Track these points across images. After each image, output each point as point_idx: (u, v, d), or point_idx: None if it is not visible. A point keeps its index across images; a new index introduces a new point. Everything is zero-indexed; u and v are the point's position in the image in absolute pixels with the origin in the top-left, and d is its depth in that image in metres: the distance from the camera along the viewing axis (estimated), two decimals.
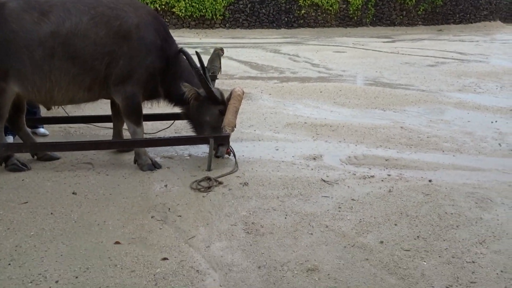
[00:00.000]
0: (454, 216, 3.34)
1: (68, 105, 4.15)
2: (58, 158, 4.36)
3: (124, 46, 3.80)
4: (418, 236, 3.06)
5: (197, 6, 20.08)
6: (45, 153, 4.32)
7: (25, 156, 4.30)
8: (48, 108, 4.17)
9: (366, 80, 8.94)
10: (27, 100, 4.11)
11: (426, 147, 4.94)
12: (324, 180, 3.96)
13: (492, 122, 5.93)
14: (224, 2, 20.43)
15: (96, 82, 3.86)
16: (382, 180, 3.99)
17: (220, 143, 4.30)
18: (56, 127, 5.39)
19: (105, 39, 3.74)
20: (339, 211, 3.42)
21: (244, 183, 3.88)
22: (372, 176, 4.08)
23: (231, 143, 4.43)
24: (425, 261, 2.78)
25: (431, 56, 12.28)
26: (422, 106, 6.76)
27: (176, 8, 19.85)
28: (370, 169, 4.28)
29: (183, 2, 19.80)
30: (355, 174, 4.12)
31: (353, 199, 3.60)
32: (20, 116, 4.21)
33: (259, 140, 5.08)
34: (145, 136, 4.41)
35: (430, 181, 3.97)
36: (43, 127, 5.20)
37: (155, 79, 4.06)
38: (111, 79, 3.86)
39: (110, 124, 4.74)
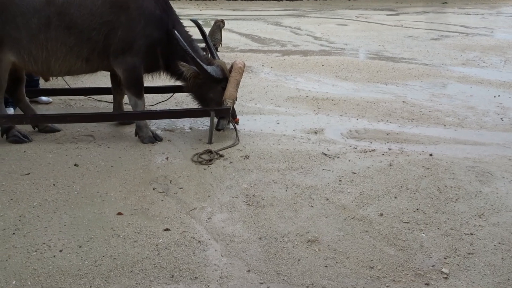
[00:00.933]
0: (454, 189, 3.36)
1: (67, 76, 4.10)
2: (59, 130, 4.35)
3: (122, 16, 3.72)
4: (417, 209, 3.09)
5: None
6: (46, 125, 4.30)
7: (26, 128, 4.29)
8: (46, 79, 4.13)
9: (369, 54, 8.81)
10: (26, 71, 4.06)
11: (427, 122, 4.92)
12: (325, 154, 3.96)
13: (495, 97, 5.88)
14: None
15: (94, 53, 3.79)
16: (383, 154, 3.99)
17: (221, 116, 4.28)
18: (56, 99, 5.36)
19: (101, 8, 3.65)
20: (340, 184, 3.43)
21: (245, 156, 3.88)
22: (373, 150, 4.07)
23: (238, 115, 4.42)
24: (424, 233, 2.81)
25: (435, 30, 12.07)
26: (425, 80, 6.69)
27: None
28: (371, 143, 4.27)
29: None
30: (356, 148, 4.12)
31: (353, 173, 3.61)
32: (20, 87, 4.18)
33: (260, 114, 5.05)
34: (146, 108, 4.38)
35: (430, 155, 3.97)
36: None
37: (155, 50, 3.98)
38: (110, 50, 3.80)
39: (110, 97, 4.70)
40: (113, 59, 3.84)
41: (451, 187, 3.40)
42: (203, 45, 4.78)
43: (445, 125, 4.82)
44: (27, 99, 4.32)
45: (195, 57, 3.92)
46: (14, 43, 3.62)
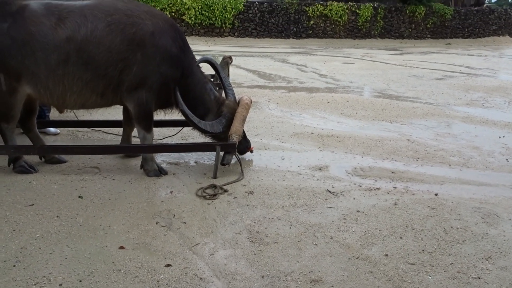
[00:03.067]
0: (460, 230, 3.32)
1: (81, 109, 4.17)
2: (65, 162, 4.39)
3: (138, 53, 3.81)
4: (423, 250, 3.04)
5: (206, 14, 20.31)
6: (53, 156, 4.35)
7: (33, 158, 4.34)
8: (61, 112, 4.21)
9: (374, 92, 8.95)
10: (40, 102, 4.15)
11: (432, 161, 4.92)
12: (329, 191, 3.96)
13: (499, 137, 5.90)
14: (233, 11, 20.65)
15: (109, 88, 3.87)
16: (388, 193, 3.98)
17: (226, 151, 4.31)
18: (64, 130, 5.45)
19: (119, 46, 3.75)
20: (344, 222, 3.40)
21: (250, 191, 3.88)
22: (378, 188, 4.06)
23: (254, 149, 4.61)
24: (430, 276, 2.76)
25: (439, 70, 12.28)
26: (430, 119, 6.75)
27: (186, 15, 20.08)
28: (376, 181, 4.27)
29: (193, 10, 20.03)
30: (360, 186, 4.11)
31: (358, 211, 3.59)
32: (31, 118, 4.26)
33: (266, 149, 5.09)
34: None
35: (436, 194, 3.95)
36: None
37: (169, 87, 4.05)
38: (124, 85, 3.88)
39: (117, 129, 4.77)
40: (126, 94, 3.92)
41: (457, 228, 3.35)
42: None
43: (450, 165, 4.81)
44: (37, 129, 4.39)
45: (191, 118, 4.01)
46: (32, 76, 3.72)
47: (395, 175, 4.42)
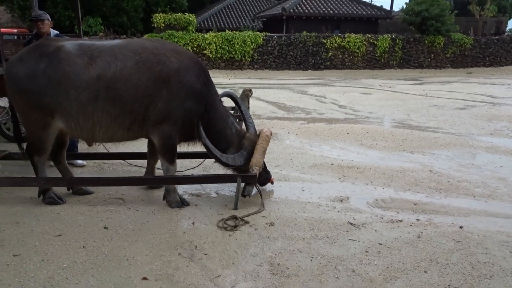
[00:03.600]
0: (488, 265, 3.23)
1: (108, 142, 4.33)
2: (91, 193, 4.53)
3: (164, 89, 3.98)
4: (449, 285, 2.97)
5: (227, 48, 20.90)
6: (80, 187, 4.50)
7: (61, 190, 4.50)
8: (89, 145, 4.39)
9: (394, 122, 8.93)
10: (71, 136, 4.35)
11: (456, 192, 4.84)
12: (350, 223, 3.93)
13: None
14: (253, 44, 21.18)
15: (136, 122, 4.04)
16: (411, 225, 3.92)
17: (247, 182, 4.37)
18: (91, 162, 5.63)
19: (146, 82, 3.93)
20: (366, 255, 3.37)
21: (270, 223, 3.90)
22: (400, 221, 4.02)
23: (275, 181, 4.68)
24: None
25: (460, 99, 12.18)
26: (452, 150, 6.67)
27: (207, 50, 20.72)
28: (398, 213, 4.22)
29: (214, 45, 20.67)
30: (382, 218, 4.07)
31: (380, 244, 3.55)
32: (62, 151, 4.45)
33: (286, 180, 5.12)
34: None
35: (461, 227, 3.88)
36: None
37: (192, 122, 4.19)
38: (150, 120, 4.04)
39: (141, 162, 4.90)
40: (151, 128, 4.07)
41: (485, 262, 3.27)
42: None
43: (475, 196, 4.73)
44: (66, 162, 4.56)
45: (214, 153, 4.11)
46: (64, 112, 3.93)
47: (418, 207, 4.37)
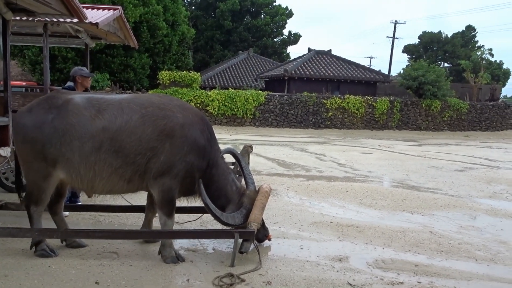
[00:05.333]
0: None
1: (107, 194, 4.31)
2: (85, 246, 4.44)
3: (167, 143, 4.03)
4: None
5: (229, 105, 21.43)
6: (74, 240, 4.41)
7: (54, 242, 4.41)
8: (89, 196, 4.36)
9: (393, 182, 8.93)
10: (71, 187, 4.34)
11: (457, 255, 4.74)
12: (350, 284, 3.81)
13: None
14: (255, 102, 21.74)
15: (136, 174, 4.05)
16: None
17: (244, 239, 4.29)
18: (86, 214, 5.57)
19: (150, 136, 4.00)
20: None
21: (268, 282, 3.78)
22: (401, 283, 3.90)
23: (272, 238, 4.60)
24: None
25: (458, 161, 12.27)
26: (452, 211, 6.61)
27: (210, 106, 21.24)
28: (398, 274, 4.11)
29: (217, 102, 21.22)
30: (382, 279, 3.95)
31: None
32: (60, 202, 4.41)
33: (284, 238, 5.03)
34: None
35: None
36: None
37: (193, 176, 4.20)
38: (151, 172, 4.06)
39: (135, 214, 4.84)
40: (152, 180, 4.08)
41: None
42: None
43: (476, 260, 4.62)
44: (62, 213, 4.51)
45: (214, 212, 4.09)
46: (66, 162, 3.96)
47: (419, 269, 4.25)
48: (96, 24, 6.50)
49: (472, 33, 51.09)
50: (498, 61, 46.42)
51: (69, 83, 5.64)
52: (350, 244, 4.91)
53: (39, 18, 6.35)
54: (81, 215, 5.54)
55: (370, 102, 22.98)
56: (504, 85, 45.58)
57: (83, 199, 5.84)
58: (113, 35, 8.09)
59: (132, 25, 21.46)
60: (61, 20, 6.39)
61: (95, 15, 7.16)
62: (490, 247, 5.04)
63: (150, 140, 3.99)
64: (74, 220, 5.38)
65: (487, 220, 6.23)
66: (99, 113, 3.96)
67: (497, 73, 44.97)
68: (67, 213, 5.38)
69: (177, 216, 5.21)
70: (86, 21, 6.19)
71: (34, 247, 4.19)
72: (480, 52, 29.72)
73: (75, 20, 6.22)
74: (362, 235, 5.23)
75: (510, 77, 47.98)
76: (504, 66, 47.58)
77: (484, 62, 29.34)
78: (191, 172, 4.16)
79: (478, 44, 49.64)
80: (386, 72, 36.76)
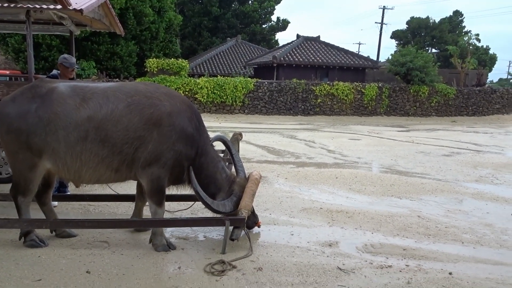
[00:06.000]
0: None
1: (96, 184, 4.29)
2: (75, 236, 4.42)
3: (154, 131, 4.00)
4: None
5: (218, 93, 21.29)
6: (63, 229, 4.39)
7: (43, 232, 4.38)
8: (77, 186, 4.33)
9: (382, 168, 9.02)
10: (58, 177, 4.29)
11: (444, 238, 4.83)
12: (340, 268, 3.87)
13: None
14: (244, 90, 21.64)
15: (124, 164, 4.02)
16: (400, 271, 3.88)
17: (235, 226, 4.32)
18: (76, 204, 5.53)
19: (136, 125, 3.96)
20: None
21: (258, 268, 3.82)
22: (390, 266, 3.97)
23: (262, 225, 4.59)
24: None
25: (446, 146, 12.43)
26: (439, 196, 6.72)
27: (199, 94, 21.08)
28: (387, 258, 4.18)
29: (206, 90, 21.06)
30: (372, 263, 4.02)
31: None
32: (48, 192, 4.37)
33: (274, 224, 5.07)
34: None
35: (450, 273, 3.84)
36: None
37: (182, 165, 4.19)
38: (139, 162, 4.03)
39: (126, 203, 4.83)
40: (141, 170, 4.06)
41: None
42: None
43: (463, 242, 4.72)
44: (51, 203, 4.48)
45: (205, 200, 4.11)
46: (52, 152, 3.91)
47: (407, 252, 4.33)
48: (81, 10, 6.35)
49: (460, 18, 51.34)
50: (484, 46, 46.85)
51: (54, 71, 5.55)
52: (340, 230, 4.97)
53: (21, 4, 6.18)
54: (70, 205, 5.51)
55: (359, 89, 23.05)
56: (490, 70, 46.08)
57: (71, 188, 5.79)
58: (98, 22, 7.93)
59: (117, 11, 21.08)
60: (44, 6, 6.23)
61: (79, 1, 6.99)
62: (476, 230, 5.15)
63: (137, 129, 3.95)
64: (63, 210, 5.35)
65: (474, 203, 6.35)
66: (84, 102, 3.90)
67: (484, 58, 45.40)
68: (56, 203, 5.33)
69: (168, 205, 5.21)
70: (70, 8, 6.05)
71: (23, 237, 4.16)
72: (467, 38, 29.89)
73: (59, 6, 6.08)
74: (351, 221, 5.30)
75: (497, 62, 48.52)
76: (491, 51, 48.07)
77: (471, 47, 29.54)
78: (180, 161, 4.14)
79: (465, 29, 50.02)
80: (375, 58, 36.89)
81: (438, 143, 13.07)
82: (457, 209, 6.02)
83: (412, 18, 51.44)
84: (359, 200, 6.33)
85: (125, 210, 5.36)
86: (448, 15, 51.58)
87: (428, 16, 50.88)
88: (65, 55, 5.59)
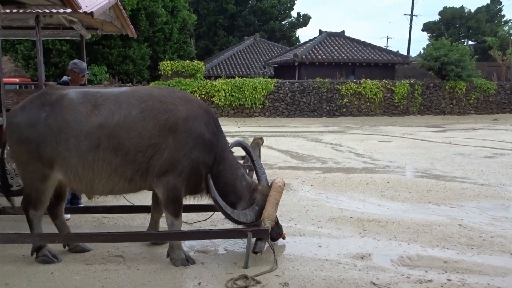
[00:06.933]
0: None
1: (109, 195, 4.33)
2: (89, 250, 4.47)
3: (170, 138, 4.03)
4: None
5: (236, 95, 21.40)
6: (77, 244, 4.45)
7: (56, 247, 4.45)
8: (89, 197, 4.39)
9: (417, 172, 8.86)
10: (70, 188, 4.36)
11: (490, 249, 4.68)
12: (374, 283, 3.79)
13: None
14: (264, 91, 21.68)
15: (138, 173, 4.06)
16: (442, 286, 3.76)
17: (258, 238, 4.29)
18: (89, 216, 5.61)
19: (151, 131, 4.00)
20: None
21: (284, 283, 3.78)
22: (430, 281, 3.86)
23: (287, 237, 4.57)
24: None
25: (487, 147, 12.10)
26: (482, 202, 6.53)
27: (216, 97, 21.24)
28: (426, 272, 4.07)
29: (223, 92, 21.20)
30: (409, 278, 3.92)
31: None
32: (60, 204, 4.45)
33: (300, 235, 5.02)
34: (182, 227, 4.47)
35: None
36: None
37: (200, 173, 4.20)
38: (154, 171, 4.06)
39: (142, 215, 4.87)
40: (155, 179, 4.08)
41: None
42: None
43: (511, 254, 4.55)
44: (64, 216, 4.55)
45: (225, 209, 4.09)
46: (63, 162, 3.98)
47: (448, 265, 4.21)
48: (91, 13, 6.50)
49: (498, 7, 50.16)
50: None
51: (65, 78, 5.67)
52: (372, 241, 4.88)
53: (30, 9, 6.37)
54: (84, 218, 5.59)
55: (389, 86, 22.75)
56: None
57: (84, 200, 5.88)
58: (109, 25, 8.10)
59: (129, 13, 21.49)
60: (54, 10, 6.40)
61: (90, 3, 7.16)
62: None
63: (151, 136, 3.98)
64: (76, 223, 5.43)
65: None
66: (96, 109, 3.96)
67: None
68: (68, 216, 5.43)
69: (186, 216, 5.23)
70: (80, 11, 6.19)
71: (35, 253, 4.23)
72: (507, 27, 29.20)
73: (69, 10, 6.22)
74: (385, 230, 5.20)
75: None
76: None
77: None
78: (197, 169, 4.15)
79: (505, 18, 48.82)
80: (405, 53, 36.40)
81: (478, 144, 12.74)
82: (504, 217, 5.83)
83: (445, 8, 50.58)
84: (393, 208, 6.22)
85: (141, 222, 5.41)
86: (485, 4, 50.54)
87: (462, 6, 49.96)
88: (76, 61, 5.72)
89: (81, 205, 5.86)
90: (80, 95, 4.06)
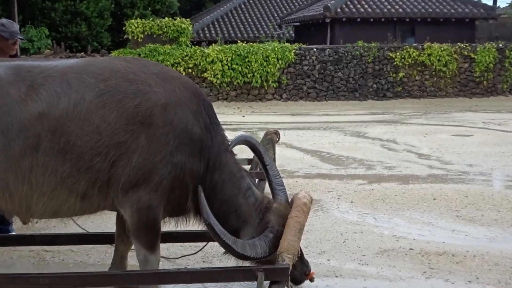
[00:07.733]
0: None
1: (52, 218, 4.37)
2: None
3: (142, 135, 4.02)
4: None
5: (239, 69, 21.31)
6: None
7: None
8: (24, 222, 4.42)
9: (509, 181, 8.83)
10: None
11: None
12: None
13: None
14: (280, 62, 21.60)
15: (95, 187, 4.04)
16: None
17: (273, 280, 4.29)
18: (25, 250, 5.66)
19: (114, 125, 3.98)
20: None
21: None
22: None
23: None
24: None
25: None
26: None
27: (208, 72, 21.24)
28: None
29: (219, 64, 21.11)
30: None
31: None
32: None
33: (337, 277, 5.06)
34: (161, 265, 4.50)
35: None
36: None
37: (185, 186, 4.21)
38: (119, 183, 4.06)
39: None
40: (121, 195, 4.08)
41: None
42: None
43: None
44: None
45: (220, 235, 3.98)
46: None
47: None
48: None
49: None
50: None
51: None
52: (443, 284, 4.90)
53: None
54: (17, 251, 5.65)
55: (466, 53, 22.65)
56: None
57: (17, 226, 5.93)
58: None
59: None
60: None
61: None
62: None
63: (115, 132, 3.98)
64: (6, 259, 5.50)
65: None
66: (33, 91, 3.96)
67: None
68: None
69: (166, 248, 5.26)
70: None
71: None
72: None
73: None
74: (462, 268, 5.22)
75: None
76: None
77: None
78: (182, 180, 4.16)
79: None
80: (490, 3, 36.14)
81: None
82: None
83: None
84: (473, 235, 6.23)
85: (100, 257, 5.45)
86: None
87: None
88: (3, 20, 5.75)
89: (13, 233, 5.91)
90: (10, 72, 4.07)
